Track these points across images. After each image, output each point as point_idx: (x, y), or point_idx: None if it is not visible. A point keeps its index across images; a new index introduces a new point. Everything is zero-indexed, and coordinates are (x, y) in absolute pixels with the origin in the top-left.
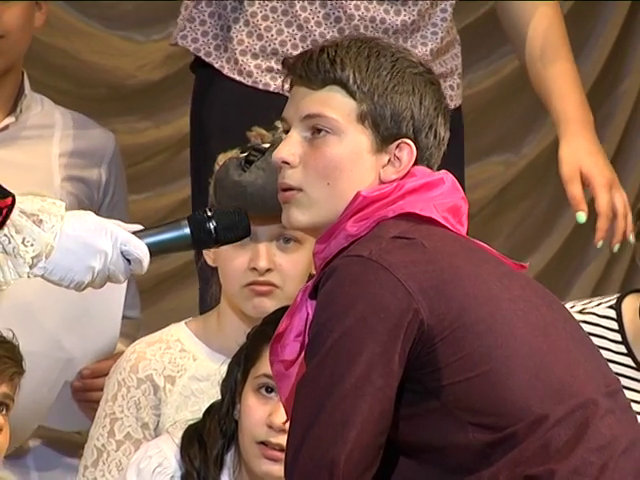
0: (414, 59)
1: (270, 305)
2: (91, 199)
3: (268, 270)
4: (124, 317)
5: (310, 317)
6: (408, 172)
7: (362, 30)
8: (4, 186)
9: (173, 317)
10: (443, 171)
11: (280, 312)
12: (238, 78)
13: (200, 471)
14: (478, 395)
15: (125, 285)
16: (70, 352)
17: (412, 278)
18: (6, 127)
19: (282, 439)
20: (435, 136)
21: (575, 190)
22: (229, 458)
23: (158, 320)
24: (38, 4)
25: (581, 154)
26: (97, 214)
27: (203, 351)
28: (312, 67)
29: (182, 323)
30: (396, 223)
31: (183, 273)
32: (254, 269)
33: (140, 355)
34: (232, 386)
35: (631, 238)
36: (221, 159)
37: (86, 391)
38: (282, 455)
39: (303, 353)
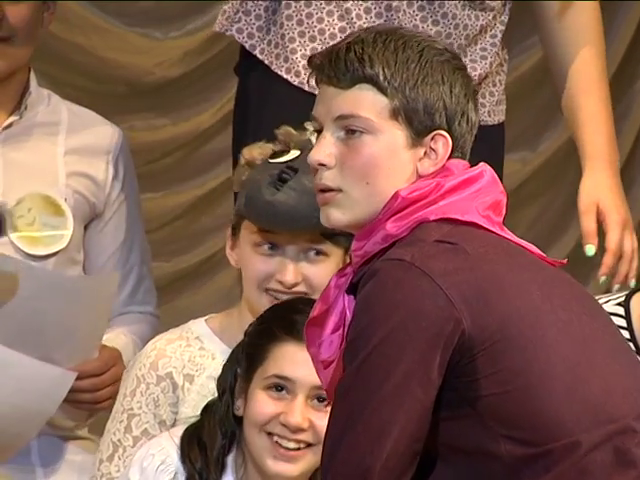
0: (439, 46)
1: None
2: (97, 196)
3: (295, 284)
4: (138, 312)
5: (348, 313)
6: (444, 166)
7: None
8: None
9: (187, 315)
10: (482, 164)
11: (276, 307)
12: (286, 76)
13: (202, 473)
14: (513, 408)
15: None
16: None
17: (454, 286)
18: (10, 125)
19: (298, 437)
20: (467, 122)
21: (589, 223)
22: (231, 459)
23: (172, 317)
24: (46, 4)
25: (601, 189)
26: (103, 210)
27: (222, 350)
28: (340, 66)
29: (202, 320)
30: (438, 225)
31: (198, 271)
32: (281, 282)
33: (160, 352)
34: (231, 384)
35: (632, 283)
36: (246, 153)
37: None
38: (296, 454)
39: (341, 350)
